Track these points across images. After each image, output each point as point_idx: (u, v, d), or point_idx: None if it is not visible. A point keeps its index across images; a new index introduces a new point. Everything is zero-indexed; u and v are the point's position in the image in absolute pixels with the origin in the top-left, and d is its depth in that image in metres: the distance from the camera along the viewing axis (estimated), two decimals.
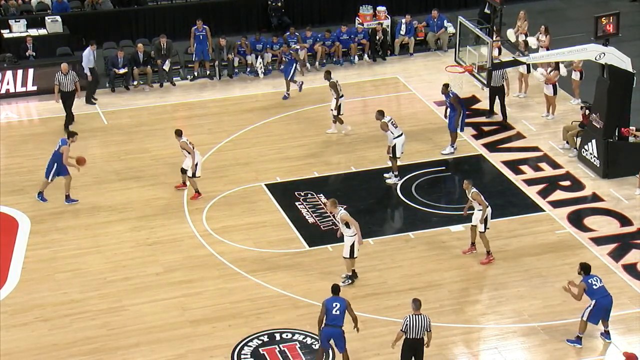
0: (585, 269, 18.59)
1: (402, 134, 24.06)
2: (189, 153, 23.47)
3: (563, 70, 27.65)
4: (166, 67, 30.23)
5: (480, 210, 20.90)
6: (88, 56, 29.02)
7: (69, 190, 23.64)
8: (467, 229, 22.24)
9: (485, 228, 21.05)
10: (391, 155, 24.13)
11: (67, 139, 23.58)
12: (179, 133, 23.72)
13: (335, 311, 17.42)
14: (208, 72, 30.89)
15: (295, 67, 29.16)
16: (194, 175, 23.63)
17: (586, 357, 18.49)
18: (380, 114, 24.17)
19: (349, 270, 20.55)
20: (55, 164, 23.41)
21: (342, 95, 26.60)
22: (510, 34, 30.04)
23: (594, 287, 18.37)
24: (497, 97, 27.23)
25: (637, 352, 17.45)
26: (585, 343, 18.64)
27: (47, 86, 28.14)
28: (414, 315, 17.21)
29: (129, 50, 30.59)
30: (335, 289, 17.72)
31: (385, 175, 24.58)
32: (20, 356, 18.63)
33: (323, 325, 17.54)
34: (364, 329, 19.28)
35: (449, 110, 25.89)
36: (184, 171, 23.87)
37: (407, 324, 17.17)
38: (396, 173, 24.37)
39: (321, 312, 17.50)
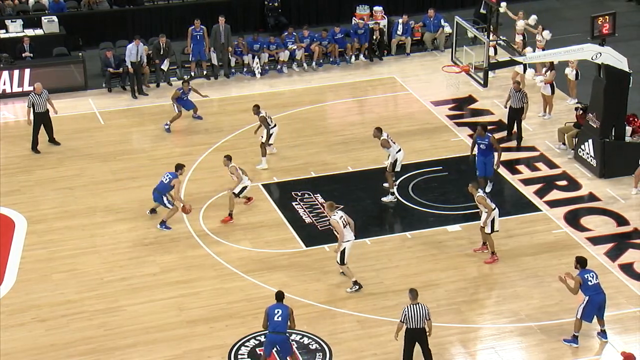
0: (581, 262, 18.61)
1: (400, 149, 23.46)
2: (237, 178, 22.79)
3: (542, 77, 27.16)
4: (165, 67, 30.22)
5: (487, 212, 20.89)
6: (131, 50, 29.20)
7: (168, 218, 22.51)
8: (464, 229, 22.34)
9: (492, 230, 21.05)
10: (390, 170, 23.47)
11: (176, 172, 22.40)
12: (229, 158, 22.90)
13: (277, 318, 17.27)
14: (205, 72, 30.90)
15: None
16: (238, 194, 22.94)
17: (583, 356, 18.50)
18: (379, 131, 23.38)
19: (351, 277, 20.33)
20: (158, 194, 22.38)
21: (275, 125, 25.33)
22: (520, 25, 29.95)
23: (589, 283, 18.35)
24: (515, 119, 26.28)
25: (635, 352, 17.50)
26: (582, 342, 18.66)
27: (45, 86, 28.10)
28: (411, 305, 17.28)
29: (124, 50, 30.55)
30: (279, 296, 17.59)
31: (385, 185, 24.06)
32: (17, 356, 18.61)
33: (267, 332, 17.45)
34: (361, 328, 19.30)
35: (481, 154, 23.66)
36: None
37: (405, 314, 17.24)
38: (392, 190, 23.75)
39: (264, 319, 17.42)
